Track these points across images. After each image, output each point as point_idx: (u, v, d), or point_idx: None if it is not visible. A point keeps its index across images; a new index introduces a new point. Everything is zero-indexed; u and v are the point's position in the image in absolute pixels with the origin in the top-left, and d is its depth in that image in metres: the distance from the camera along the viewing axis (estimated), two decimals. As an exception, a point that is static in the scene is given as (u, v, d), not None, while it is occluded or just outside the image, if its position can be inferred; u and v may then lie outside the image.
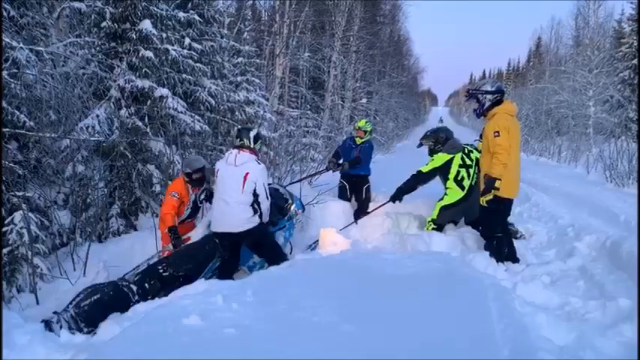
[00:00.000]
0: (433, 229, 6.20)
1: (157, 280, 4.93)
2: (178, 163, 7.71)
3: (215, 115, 9.64)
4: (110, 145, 7.04)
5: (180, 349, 2.45)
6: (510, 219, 6.87)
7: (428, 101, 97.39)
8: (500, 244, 5.25)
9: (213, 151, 9.45)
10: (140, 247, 6.65)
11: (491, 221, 5.27)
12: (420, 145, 6.83)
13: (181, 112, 8.19)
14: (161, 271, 5.06)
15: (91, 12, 7.66)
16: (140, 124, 7.46)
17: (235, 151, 5.01)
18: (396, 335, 2.93)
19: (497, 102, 5.15)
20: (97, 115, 7.03)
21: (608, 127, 20.79)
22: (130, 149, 7.36)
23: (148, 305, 3.42)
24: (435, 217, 6.27)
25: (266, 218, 5.18)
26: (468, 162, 6.29)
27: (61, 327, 3.79)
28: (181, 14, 9.01)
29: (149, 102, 7.71)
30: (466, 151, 6.36)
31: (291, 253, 6.21)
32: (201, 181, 5.94)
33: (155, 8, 8.09)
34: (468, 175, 6.24)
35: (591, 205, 8.07)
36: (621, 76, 23.18)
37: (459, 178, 6.21)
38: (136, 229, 7.51)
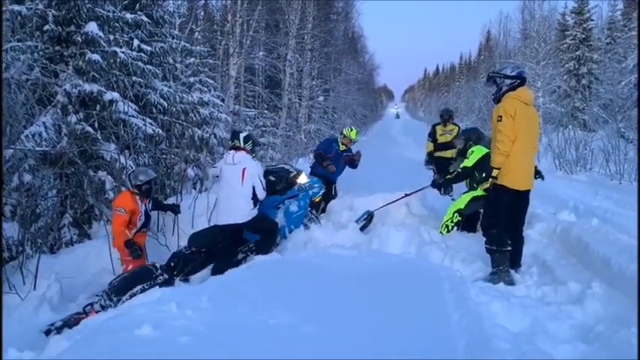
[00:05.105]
0: (458, 220, 6.13)
1: (181, 258, 5.48)
2: (132, 168, 7.52)
3: (168, 117, 9.44)
4: (59, 152, 6.79)
5: (132, 361, 2.37)
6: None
7: (384, 97, 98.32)
8: (490, 240, 4.76)
9: (168, 155, 9.26)
10: (95, 255, 6.45)
11: (488, 210, 5.05)
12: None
13: (133, 116, 7.98)
14: (184, 250, 5.69)
15: (32, 15, 7.35)
16: (90, 129, 7.23)
17: (232, 151, 5.66)
18: (355, 333, 2.93)
19: (514, 88, 4.74)
20: (44, 122, 6.78)
21: (557, 116, 21.52)
22: (80, 156, 7.12)
23: (100, 317, 3.32)
24: (462, 206, 6.11)
25: (264, 196, 5.75)
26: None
27: (100, 305, 4.79)
28: (129, 15, 8.77)
29: (98, 107, 7.48)
30: None
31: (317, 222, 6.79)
32: (150, 192, 6.04)
33: (101, 10, 7.86)
34: None
35: (542, 193, 8.30)
36: (567, 67, 24.07)
37: None
38: (90, 238, 7.28)
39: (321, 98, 25.10)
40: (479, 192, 6.06)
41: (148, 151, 8.59)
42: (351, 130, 7.93)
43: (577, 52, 24.12)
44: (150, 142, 8.50)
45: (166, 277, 5.25)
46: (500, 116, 4.56)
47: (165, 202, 7.04)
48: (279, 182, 6.41)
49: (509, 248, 4.69)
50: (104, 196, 7.39)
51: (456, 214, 6.14)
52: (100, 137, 7.41)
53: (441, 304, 3.40)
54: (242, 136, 5.75)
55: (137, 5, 9.73)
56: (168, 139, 9.41)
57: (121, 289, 4.93)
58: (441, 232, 6.05)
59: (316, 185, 6.94)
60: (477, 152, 6.18)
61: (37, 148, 6.46)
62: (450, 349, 2.73)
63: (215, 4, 20.62)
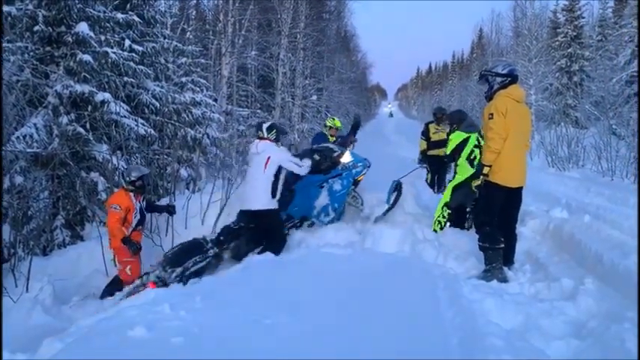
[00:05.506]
0: (448, 213, 6.08)
1: (230, 233, 5.73)
2: (124, 168, 7.49)
3: (160, 117, 9.40)
4: (50, 154, 6.75)
5: (126, 363, 2.36)
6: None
7: (378, 96, 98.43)
8: (483, 237, 4.78)
9: (161, 155, 9.22)
10: (87, 257, 6.42)
11: (479, 207, 5.05)
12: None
13: (124, 117, 7.94)
14: (232, 225, 5.89)
15: (22, 15, 7.30)
16: (82, 130, 7.19)
17: (257, 141, 5.94)
18: (349, 332, 2.93)
19: (506, 86, 4.77)
20: (35, 124, 6.73)
21: (549, 114, 21.63)
22: (72, 157, 7.08)
23: (92, 318, 3.30)
24: (447, 199, 6.08)
25: (307, 171, 6.05)
26: (482, 143, 6.20)
27: (156, 275, 5.09)
28: (120, 15, 8.73)
29: (90, 107, 7.44)
30: (481, 133, 6.26)
31: (362, 204, 7.18)
32: (144, 188, 6.11)
33: (92, 10, 7.82)
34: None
35: (535, 191, 8.35)
36: (558, 64, 24.19)
37: (471, 157, 5.95)
38: (82, 240, 7.24)
39: (314, 97, 25.07)
40: (456, 180, 6.09)
41: (140, 152, 8.56)
42: (333, 119, 8.12)
43: (569, 50, 24.26)
44: (142, 143, 8.46)
45: (217, 250, 5.52)
46: (492, 114, 4.59)
47: (159, 204, 7.01)
48: (323, 161, 6.65)
49: (503, 246, 4.70)
50: (97, 198, 7.35)
51: (445, 208, 6.13)
52: (91, 138, 7.37)
53: (435, 301, 3.41)
54: (265, 126, 5.97)
55: (128, 5, 9.69)
56: (160, 140, 9.38)
57: (175, 261, 5.20)
58: (434, 230, 6.05)
59: (359, 164, 7.00)
60: (453, 140, 6.17)
61: (29, 150, 6.42)
62: (443, 347, 2.73)
63: (207, 4, 20.55)
